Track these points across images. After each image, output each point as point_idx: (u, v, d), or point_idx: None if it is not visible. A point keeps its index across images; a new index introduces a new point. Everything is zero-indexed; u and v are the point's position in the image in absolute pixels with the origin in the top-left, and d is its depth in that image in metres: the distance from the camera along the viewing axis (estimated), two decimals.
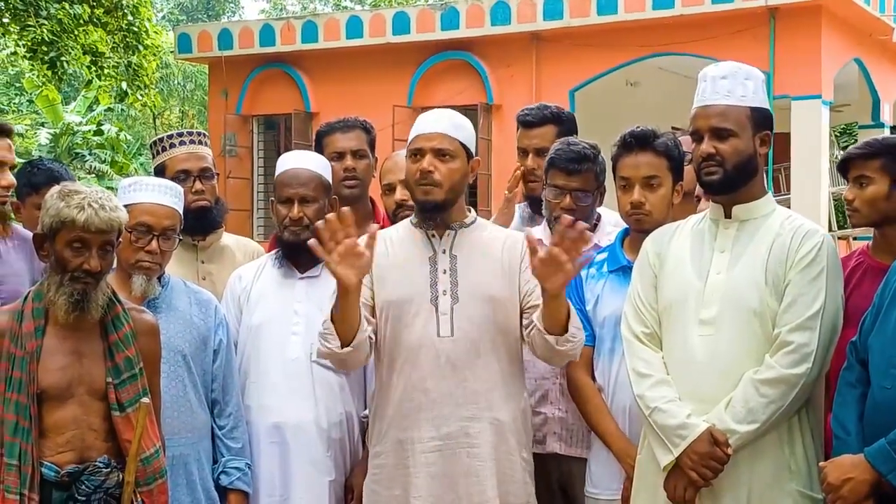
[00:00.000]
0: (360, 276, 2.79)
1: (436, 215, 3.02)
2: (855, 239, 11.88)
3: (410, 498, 2.96)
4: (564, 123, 3.72)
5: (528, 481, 3.06)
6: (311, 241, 2.78)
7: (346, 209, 2.81)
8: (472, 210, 3.17)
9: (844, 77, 12.58)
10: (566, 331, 2.86)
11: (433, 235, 3.05)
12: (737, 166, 2.79)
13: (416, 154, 3.01)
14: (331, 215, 2.79)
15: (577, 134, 3.69)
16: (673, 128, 3.65)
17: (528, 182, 3.70)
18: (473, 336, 2.96)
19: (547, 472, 3.29)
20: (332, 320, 2.87)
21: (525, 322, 3.00)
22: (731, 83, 2.81)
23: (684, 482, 2.74)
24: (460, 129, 3.05)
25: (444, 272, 3.00)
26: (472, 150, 3.08)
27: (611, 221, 3.55)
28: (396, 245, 3.08)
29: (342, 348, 2.87)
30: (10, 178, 3.20)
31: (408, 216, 3.49)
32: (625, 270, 3.16)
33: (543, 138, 3.64)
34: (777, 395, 2.67)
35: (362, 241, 2.79)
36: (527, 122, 3.70)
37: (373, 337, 3.01)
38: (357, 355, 2.93)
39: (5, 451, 2.61)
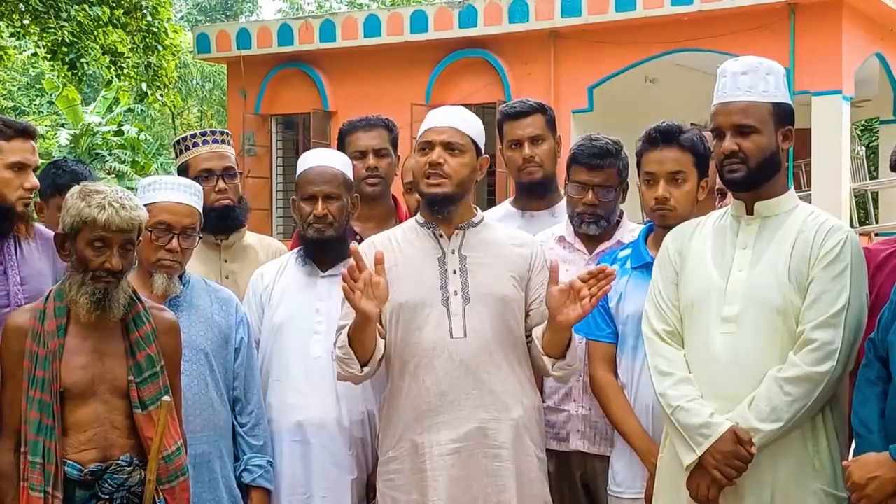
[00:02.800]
0: (380, 305, 2.85)
1: (443, 209, 3.01)
2: (877, 235, 11.79)
3: (428, 502, 2.94)
4: (548, 112, 3.76)
5: (543, 480, 3.05)
6: (343, 287, 2.82)
7: (354, 245, 2.89)
8: (478, 209, 3.17)
9: (865, 72, 12.48)
10: (564, 357, 2.90)
11: (440, 235, 3.05)
12: (760, 163, 2.77)
13: (425, 148, 3.00)
14: (343, 271, 2.83)
15: (556, 126, 3.74)
16: (692, 124, 3.63)
17: (522, 170, 3.68)
18: (486, 336, 2.96)
19: (570, 470, 3.28)
20: (349, 345, 2.91)
21: (525, 327, 3.02)
22: (752, 79, 2.78)
23: (707, 481, 2.72)
24: (470, 125, 3.05)
25: (455, 272, 2.99)
26: (482, 147, 3.08)
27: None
28: (404, 246, 3.07)
29: (362, 370, 2.94)
30: (33, 180, 3.22)
31: None
32: (648, 267, 3.13)
33: (535, 126, 3.66)
34: (801, 393, 2.65)
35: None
36: (515, 114, 3.71)
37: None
38: (373, 372, 3.00)
39: (29, 449, 2.63)
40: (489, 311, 2.96)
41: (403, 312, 2.99)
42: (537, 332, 2.95)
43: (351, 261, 2.83)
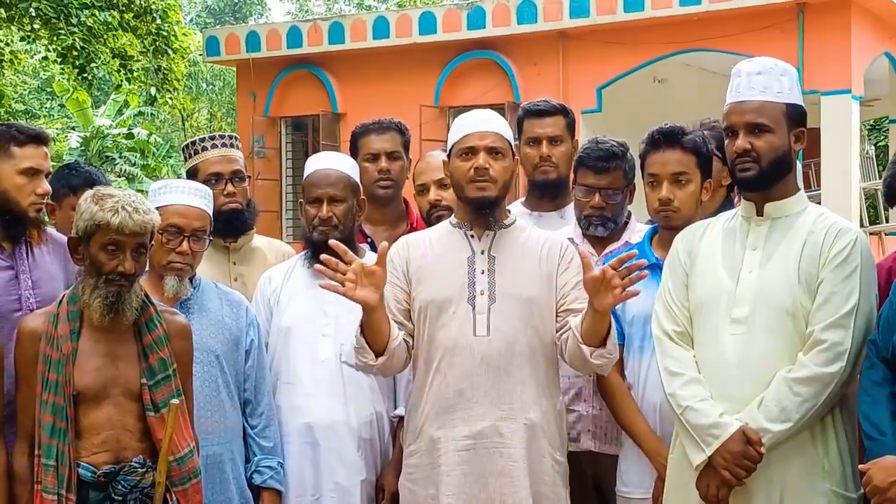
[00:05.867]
0: (378, 292, 2.86)
1: (489, 213, 3.03)
2: (887, 234, 11.75)
3: (441, 496, 2.97)
4: (570, 115, 3.78)
5: (558, 483, 3.04)
6: (325, 284, 2.85)
7: (333, 241, 2.88)
8: (511, 211, 3.18)
9: (874, 71, 12.43)
10: (604, 345, 2.87)
11: (472, 236, 3.06)
12: (772, 163, 2.77)
13: (468, 152, 3.01)
14: (323, 256, 2.85)
15: (575, 129, 3.75)
16: (702, 123, 3.64)
17: (537, 168, 3.69)
18: (509, 336, 2.97)
19: (581, 470, 3.29)
20: (362, 335, 2.93)
21: (559, 325, 3.00)
22: (766, 79, 2.79)
23: (717, 481, 2.72)
24: (507, 128, 3.09)
25: (483, 272, 3.01)
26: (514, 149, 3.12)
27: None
28: (435, 245, 3.10)
29: (376, 359, 2.95)
30: (45, 186, 3.23)
31: (441, 216, 3.53)
32: (653, 268, 3.15)
33: (556, 127, 3.69)
34: (810, 393, 2.65)
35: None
36: (539, 111, 3.73)
37: (409, 340, 3.04)
38: (392, 362, 3.00)
39: (42, 452, 2.65)
40: (514, 312, 2.97)
41: (431, 309, 3.02)
42: (574, 322, 2.92)
43: (324, 257, 2.85)
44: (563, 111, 3.75)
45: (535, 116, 3.73)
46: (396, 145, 3.89)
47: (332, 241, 2.90)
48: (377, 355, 2.95)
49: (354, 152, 3.89)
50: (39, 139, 3.21)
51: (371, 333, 2.93)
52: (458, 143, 3.05)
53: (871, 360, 2.67)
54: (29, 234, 3.23)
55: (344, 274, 2.83)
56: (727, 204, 3.49)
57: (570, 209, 3.67)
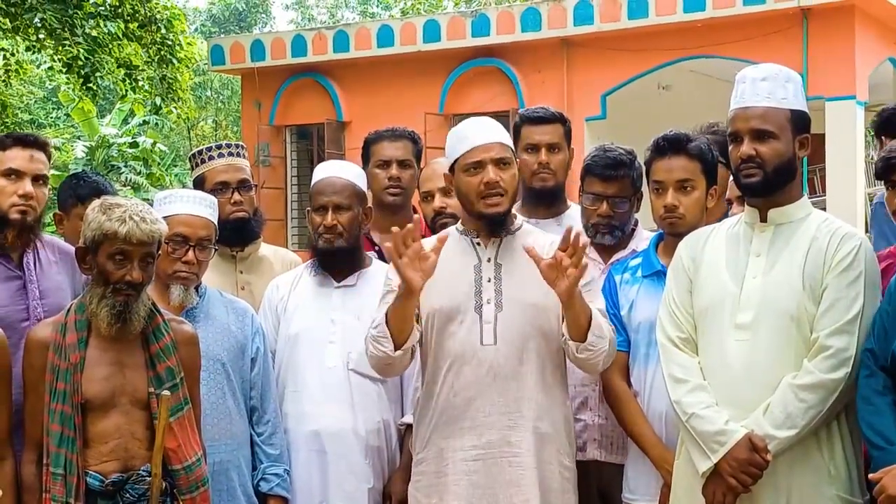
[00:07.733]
0: (425, 278, 2.85)
1: (502, 226, 3.01)
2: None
3: None
4: (567, 123, 3.77)
5: (567, 489, 3.03)
6: (386, 245, 2.85)
7: (410, 225, 2.86)
8: (518, 215, 3.17)
9: (879, 77, 12.44)
10: (586, 339, 2.86)
11: (478, 244, 3.05)
12: (777, 169, 2.77)
13: (475, 167, 2.98)
14: (395, 229, 2.85)
15: (572, 137, 3.75)
16: (711, 124, 3.64)
17: (535, 175, 3.69)
18: (517, 344, 2.96)
19: (587, 479, 3.28)
20: (386, 323, 2.91)
21: (563, 329, 2.99)
22: (771, 85, 2.79)
23: (723, 488, 2.72)
24: (507, 136, 3.05)
25: (489, 280, 3.00)
26: None
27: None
28: (443, 253, 3.05)
29: (395, 351, 2.92)
30: (28, 188, 3.14)
31: (446, 224, 3.53)
32: (659, 275, 3.15)
33: (554, 134, 3.67)
34: (816, 400, 2.65)
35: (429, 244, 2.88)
36: (538, 118, 3.71)
37: (415, 345, 3.03)
38: (404, 359, 2.98)
39: (51, 461, 2.67)
40: (521, 319, 2.96)
41: (438, 317, 3.01)
42: (564, 323, 2.93)
43: (389, 244, 2.84)
44: (561, 119, 3.74)
45: (533, 123, 3.72)
46: (408, 154, 3.91)
47: (415, 217, 2.84)
48: (396, 348, 2.92)
49: (366, 159, 3.90)
50: (26, 142, 3.19)
51: (398, 322, 2.90)
52: (464, 157, 3.00)
53: (870, 368, 2.65)
54: (21, 239, 3.20)
55: (406, 247, 2.82)
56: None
57: (566, 216, 3.67)
